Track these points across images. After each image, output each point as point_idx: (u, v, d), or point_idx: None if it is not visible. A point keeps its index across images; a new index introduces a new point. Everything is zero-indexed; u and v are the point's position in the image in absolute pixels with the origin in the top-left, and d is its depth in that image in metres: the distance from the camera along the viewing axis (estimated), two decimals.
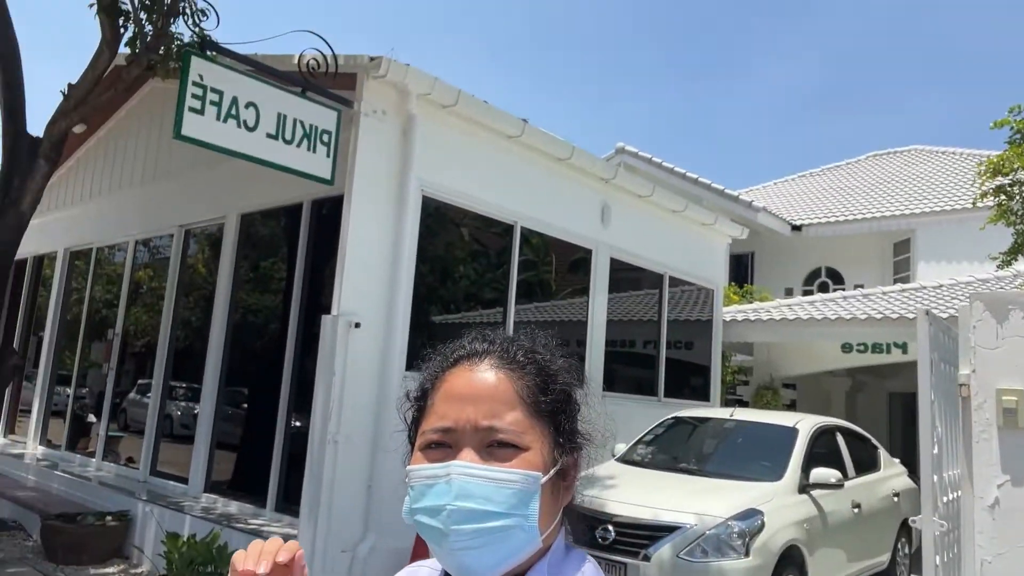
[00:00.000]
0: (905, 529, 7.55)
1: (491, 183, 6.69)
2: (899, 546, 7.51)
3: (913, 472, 8.16)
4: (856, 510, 6.58)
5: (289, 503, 6.34)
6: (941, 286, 12.01)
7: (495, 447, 0.86)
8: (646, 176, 13.35)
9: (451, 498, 0.84)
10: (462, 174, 6.43)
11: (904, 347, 9.92)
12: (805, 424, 6.70)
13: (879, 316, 9.57)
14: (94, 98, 6.34)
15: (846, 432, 7.36)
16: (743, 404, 11.43)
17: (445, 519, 0.84)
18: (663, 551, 5.15)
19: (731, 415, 7.07)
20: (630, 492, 5.84)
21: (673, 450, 7.03)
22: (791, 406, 11.83)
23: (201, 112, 4.67)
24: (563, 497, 0.92)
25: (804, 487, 6.02)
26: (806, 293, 16.89)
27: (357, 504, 5.54)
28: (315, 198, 6.56)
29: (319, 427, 5.40)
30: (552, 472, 0.88)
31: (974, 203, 6.51)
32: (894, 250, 16.62)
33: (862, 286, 15.57)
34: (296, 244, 6.73)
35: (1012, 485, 2.58)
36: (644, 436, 7.22)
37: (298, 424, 6.49)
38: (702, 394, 9.80)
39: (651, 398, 8.86)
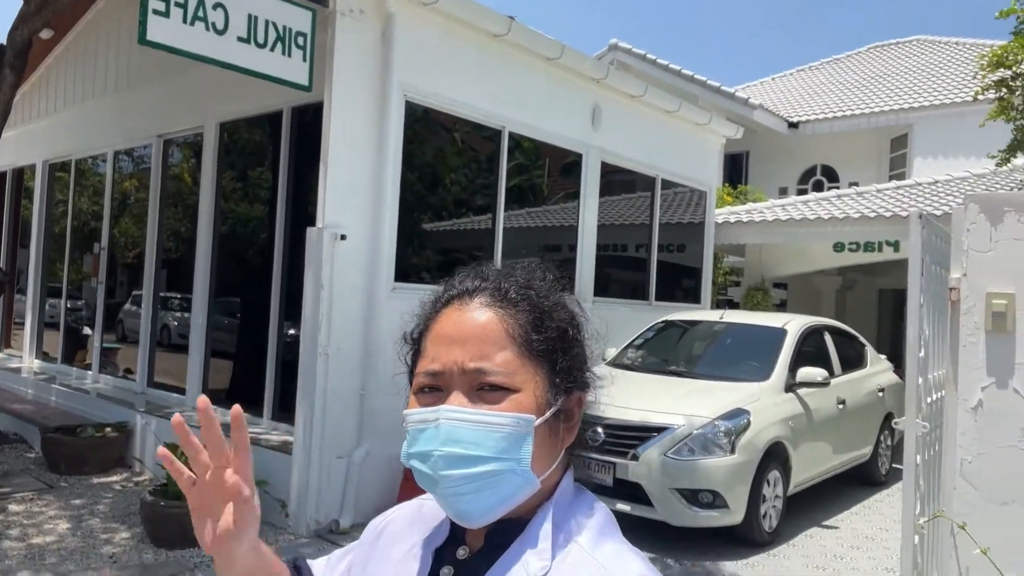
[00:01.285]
0: (888, 422, 7.76)
1: (477, 86, 6.44)
2: (882, 438, 7.73)
3: (899, 367, 8.33)
4: (841, 406, 6.73)
5: (285, 411, 6.44)
6: (936, 182, 11.88)
7: (485, 390, 0.83)
8: (639, 75, 12.95)
9: (439, 443, 0.82)
10: (446, 77, 6.18)
11: (896, 245, 9.90)
12: (794, 325, 6.75)
13: (872, 215, 9.50)
14: (56, 0, 6.00)
15: (834, 331, 7.45)
16: (733, 305, 11.52)
17: (434, 464, 0.82)
18: (651, 451, 5.29)
19: (721, 317, 7.11)
20: (620, 395, 5.92)
21: (663, 353, 7.11)
22: (781, 306, 11.95)
23: (166, 14, 4.41)
24: (565, 438, 0.89)
25: (791, 386, 6.13)
26: (800, 192, 16.75)
27: (350, 413, 5.63)
28: (295, 105, 6.33)
29: (309, 339, 5.41)
30: (548, 413, 0.85)
31: (975, 97, 6.31)
32: (891, 146, 16.37)
33: (857, 184, 15.41)
34: (278, 153, 6.55)
35: (996, 387, 2.59)
36: (635, 340, 7.29)
37: (291, 333, 6.51)
38: (693, 297, 9.85)
39: (642, 302, 8.89)
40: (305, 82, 5.10)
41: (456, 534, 0.91)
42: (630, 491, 5.36)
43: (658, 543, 5.37)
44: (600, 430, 5.54)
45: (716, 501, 5.21)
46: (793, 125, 16.62)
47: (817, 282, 13.28)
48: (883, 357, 8.31)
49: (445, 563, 0.88)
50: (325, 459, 5.44)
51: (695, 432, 5.30)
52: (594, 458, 5.50)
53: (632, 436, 5.43)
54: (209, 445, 0.81)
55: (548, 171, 7.63)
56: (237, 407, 0.83)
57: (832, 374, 6.67)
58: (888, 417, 7.76)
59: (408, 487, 5.62)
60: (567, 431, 0.89)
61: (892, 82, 17.65)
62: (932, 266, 3.14)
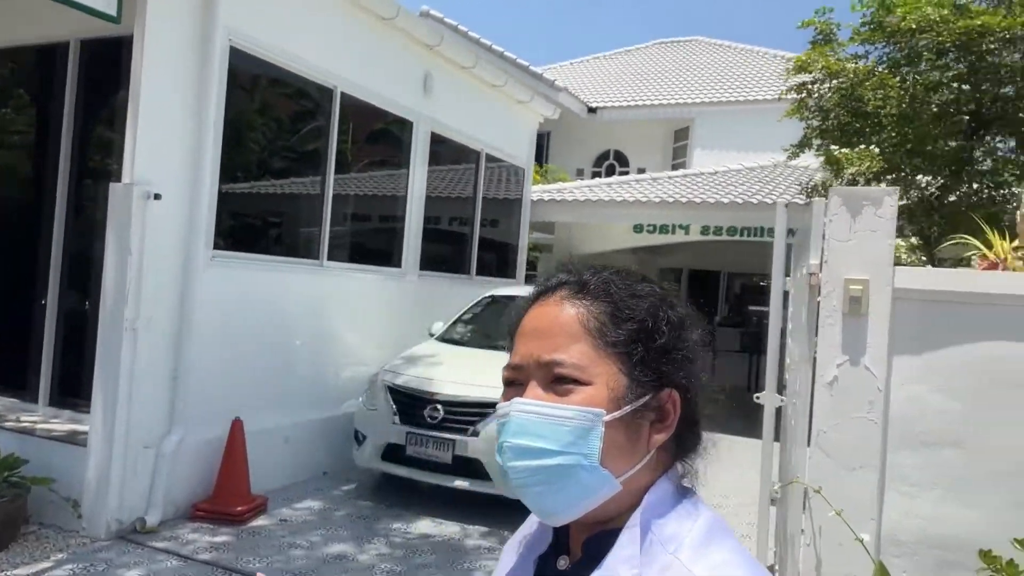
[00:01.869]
0: None
1: (310, 40, 5.94)
2: None
3: None
4: None
5: (67, 396, 5.58)
6: (716, 172, 13.12)
7: (558, 382, 0.82)
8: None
9: (508, 435, 0.82)
10: (278, 26, 5.62)
11: (687, 228, 10.83)
12: None
13: (671, 200, 10.27)
14: None
15: None
16: None
17: (503, 456, 0.83)
18: (491, 427, 5.27)
19: None
20: (455, 371, 5.87)
21: (491, 328, 7.15)
22: None
23: None
24: (654, 438, 0.84)
25: None
26: (595, 175, 17.74)
27: (161, 396, 4.99)
28: (85, 38, 5.40)
29: (111, 313, 4.69)
30: (627, 409, 0.81)
31: (779, 97, 7.05)
32: (674, 137, 17.80)
33: (644, 170, 16.64)
34: (61, 95, 5.56)
35: (850, 365, 2.87)
36: (462, 315, 7.25)
37: (76, 305, 5.62)
38: (509, 272, 10.03)
39: (464, 276, 8.88)
40: (114, 12, 4.35)
41: (559, 542, 0.90)
42: (469, 467, 5.34)
43: (497, 517, 5.42)
44: (439, 406, 5.44)
45: None
46: (592, 110, 17.46)
47: (614, 260, 14.15)
48: None
49: (547, 574, 0.88)
50: (130, 449, 4.78)
51: None
52: (432, 436, 5.40)
53: (472, 413, 5.40)
54: None
55: (377, 137, 7.28)
56: None
57: None
58: None
59: (226, 477, 5.14)
60: (656, 430, 0.84)
61: (677, 77, 19.14)
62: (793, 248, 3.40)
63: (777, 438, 3.45)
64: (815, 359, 2.96)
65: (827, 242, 2.92)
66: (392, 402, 5.68)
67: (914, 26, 5.45)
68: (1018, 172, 5.59)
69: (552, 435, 0.80)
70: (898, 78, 5.79)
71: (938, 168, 5.81)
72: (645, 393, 0.83)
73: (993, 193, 5.34)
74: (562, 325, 0.84)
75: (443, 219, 8.58)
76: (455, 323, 7.14)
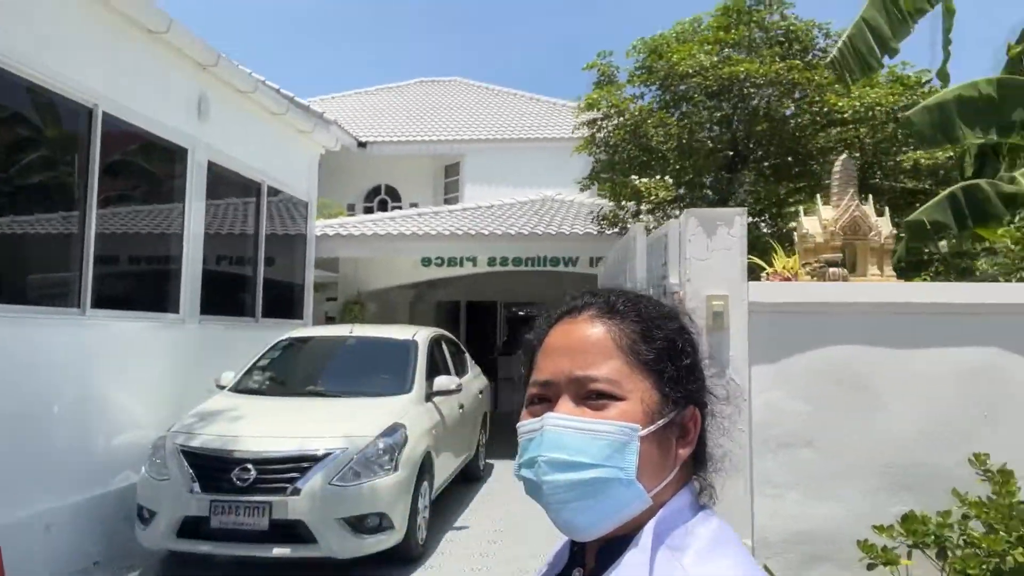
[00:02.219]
0: (486, 421, 8.48)
1: (65, 51, 5.06)
2: (481, 437, 8.41)
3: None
4: (461, 410, 7.11)
5: None
6: (493, 206, 13.54)
7: (592, 398, 0.84)
8: None
9: (543, 449, 0.82)
10: (25, 28, 4.71)
11: (475, 260, 10.96)
12: (421, 336, 6.91)
13: (460, 232, 10.33)
14: None
15: (447, 340, 7.85)
16: (330, 320, 11.33)
17: (537, 470, 0.82)
18: (314, 481, 4.79)
19: (350, 332, 6.89)
20: (262, 425, 5.29)
21: (295, 373, 6.58)
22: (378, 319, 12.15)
23: None
24: (679, 455, 0.86)
25: (429, 395, 6.23)
26: (367, 210, 17.44)
27: None
28: None
29: None
30: (658, 424, 0.83)
31: (573, 131, 7.39)
32: (445, 172, 18.10)
33: (416, 204, 16.71)
34: None
35: (717, 378, 2.96)
36: (258, 361, 6.58)
37: None
38: (296, 313, 9.37)
39: (249, 319, 8.10)
40: None
41: (574, 557, 0.91)
42: (289, 532, 4.78)
43: None
44: (251, 466, 4.83)
45: (383, 523, 4.96)
46: (362, 144, 17.19)
47: (395, 295, 13.94)
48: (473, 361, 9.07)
49: None
50: None
51: (358, 454, 4.98)
52: (243, 501, 4.76)
53: (289, 469, 4.85)
54: None
55: (150, 165, 6.40)
56: None
57: None
58: (485, 416, 8.48)
59: None
60: (681, 447, 0.86)
61: (444, 114, 19.55)
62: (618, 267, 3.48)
63: None
64: None
65: (688, 261, 3.02)
66: (188, 468, 4.92)
67: (690, 71, 6.03)
68: (765, 203, 6.33)
69: (589, 449, 0.81)
70: (675, 116, 6.37)
71: (714, 197, 6.46)
72: (673, 410, 0.85)
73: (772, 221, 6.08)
74: (594, 342, 0.86)
75: (224, 258, 7.78)
76: (249, 371, 6.45)
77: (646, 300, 0.92)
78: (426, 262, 11.07)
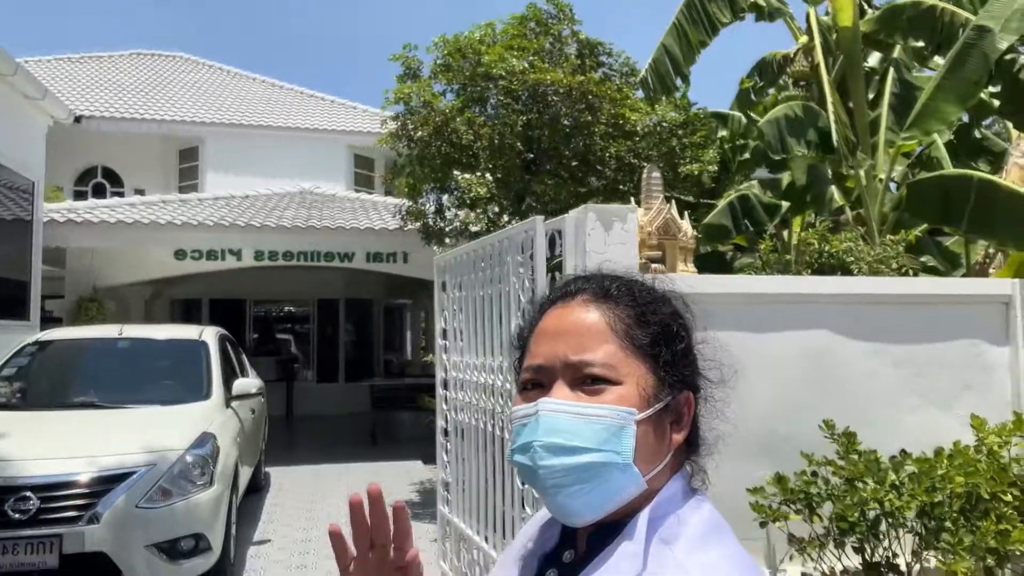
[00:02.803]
0: (265, 427, 7.92)
1: None
2: (263, 445, 7.84)
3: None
4: (253, 415, 6.58)
5: None
6: (249, 196, 12.61)
7: (587, 383, 0.83)
8: None
9: (539, 434, 0.82)
10: None
11: (239, 254, 10.11)
12: (209, 335, 6.25)
13: (227, 223, 9.47)
14: None
15: (230, 340, 7.18)
16: (56, 320, 9.66)
17: (533, 455, 0.81)
18: (117, 505, 4.12)
19: (120, 333, 5.97)
20: (34, 444, 4.41)
21: (56, 382, 5.54)
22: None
23: None
24: (673, 440, 0.86)
25: (228, 400, 5.67)
26: (79, 194, 15.17)
27: None
28: None
29: None
30: (654, 409, 0.83)
31: (383, 123, 7.08)
32: (180, 156, 16.40)
33: (143, 191, 14.95)
34: None
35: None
36: None
37: None
38: (20, 313, 7.87)
39: None
40: None
41: (565, 539, 0.90)
42: (84, 567, 4.05)
43: None
44: (31, 495, 4.00)
45: (199, 545, 4.41)
46: (78, 119, 14.89)
47: (126, 292, 12.31)
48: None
49: (551, 567, 0.88)
50: None
51: (169, 470, 4.37)
52: (24, 536, 3.93)
53: (82, 493, 4.11)
54: (375, 523, 0.86)
55: None
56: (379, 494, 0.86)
57: None
58: (266, 422, 7.92)
59: None
60: (675, 432, 0.87)
61: (175, 92, 17.68)
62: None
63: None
64: None
65: (588, 255, 3.16)
66: None
67: (502, 73, 6.23)
68: (562, 203, 6.79)
69: (585, 433, 0.80)
70: (482, 117, 6.53)
71: (511, 198, 6.74)
72: (669, 394, 0.85)
73: None
74: (589, 327, 0.85)
75: None
76: None
77: (639, 284, 0.92)
78: (180, 255, 9.95)
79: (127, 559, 4.08)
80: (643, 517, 0.82)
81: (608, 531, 0.83)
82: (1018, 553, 2.69)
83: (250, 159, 15.52)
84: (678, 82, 5.78)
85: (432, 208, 7.01)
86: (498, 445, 3.76)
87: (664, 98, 6.33)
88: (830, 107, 5.06)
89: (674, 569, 0.77)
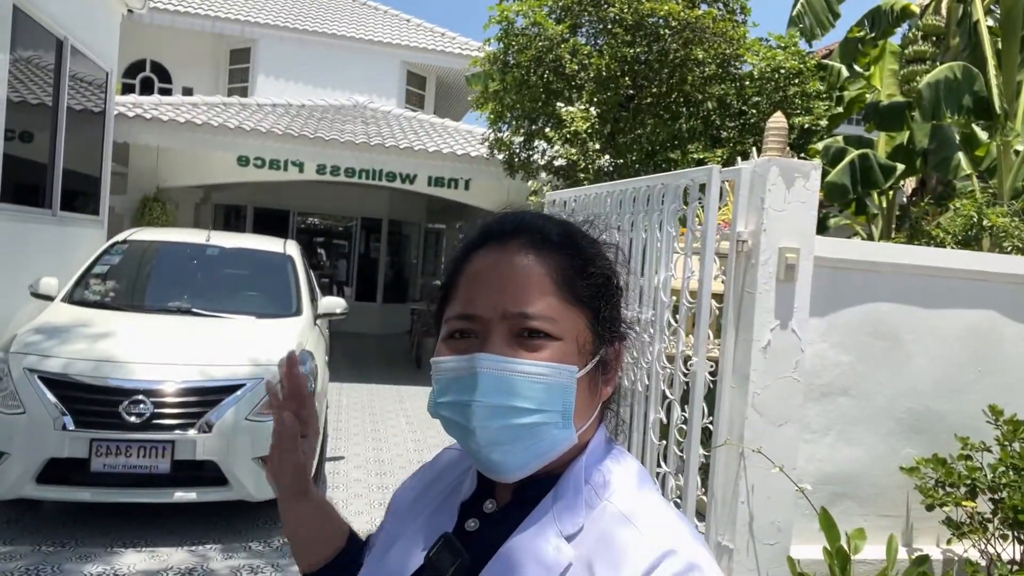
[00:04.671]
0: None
1: None
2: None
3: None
4: (327, 331, 6.53)
5: None
6: (305, 105, 12.34)
7: (525, 336, 0.77)
8: None
9: (477, 393, 0.76)
10: None
11: (301, 166, 9.94)
12: (293, 249, 6.16)
13: (296, 134, 9.26)
14: None
15: (303, 254, 7.08)
16: (117, 218, 9.60)
17: (470, 415, 0.76)
18: (228, 415, 4.10)
19: (208, 240, 5.88)
20: (141, 346, 4.36)
21: (148, 285, 5.49)
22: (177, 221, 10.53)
23: None
24: (603, 391, 0.84)
25: (316, 318, 5.61)
26: (127, 87, 14.91)
27: None
28: None
29: None
30: (591, 364, 0.80)
31: (484, 44, 6.77)
32: (231, 57, 16.02)
33: (191, 90, 14.67)
34: None
35: (780, 329, 3.03)
36: (91, 267, 5.39)
37: None
38: (92, 208, 7.79)
39: (45, 212, 6.57)
40: None
41: (483, 488, 0.86)
42: (193, 474, 4.07)
43: (233, 527, 4.28)
44: (145, 399, 3.99)
45: None
46: (130, 9, 14.48)
47: (178, 194, 12.22)
48: None
49: (470, 516, 0.84)
50: None
51: (275, 383, 4.33)
52: (137, 440, 3.94)
53: (195, 402, 4.10)
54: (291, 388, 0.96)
55: None
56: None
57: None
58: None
59: None
60: (605, 383, 0.84)
61: None
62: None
63: None
64: (753, 324, 3.04)
65: (766, 211, 2.99)
66: (53, 398, 3.92)
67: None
68: (659, 145, 6.53)
69: (528, 393, 0.76)
70: (588, 46, 6.22)
71: (606, 135, 6.48)
72: (602, 348, 0.82)
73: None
74: (530, 276, 0.79)
75: (17, 133, 6.15)
76: (83, 279, 5.26)
77: (580, 232, 0.85)
78: (243, 161, 9.79)
79: (234, 469, 4.09)
80: (579, 470, 0.80)
81: (537, 484, 0.80)
82: None
83: (302, 66, 15.14)
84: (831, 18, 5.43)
85: (520, 138, 6.77)
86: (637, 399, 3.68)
87: (783, 43, 5.98)
88: (991, 70, 4.75)
89: (623, 525, 0.75)
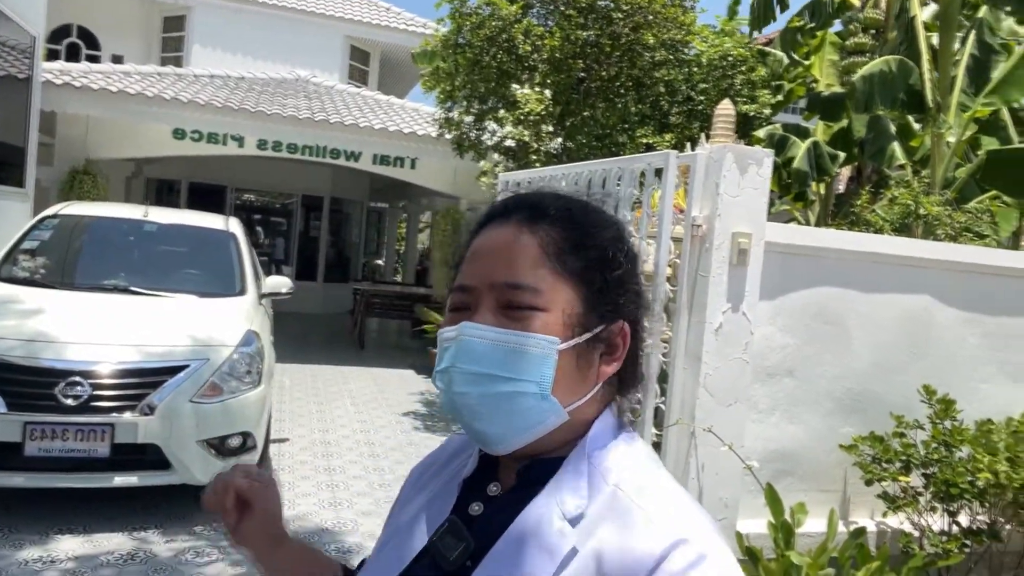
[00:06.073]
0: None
1: None
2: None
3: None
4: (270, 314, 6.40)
5: None
6: (245, 78, 11.95)
7: (512, 307, 0.78)
8: None
9: (458, 360, 0.78)
10: None
11: (241, 140, 9.64)
12: (235, 226, 5.98)
13: (236, 107, 8.96)
14: None
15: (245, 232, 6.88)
16: (43, 190, 9.13)
17: (450, 381, 0.79)
18: (170, 397, 3.98)
19: (146, 215, 5.66)
20: (76, 326, 4.19)
21: (82, 261, 5.25)
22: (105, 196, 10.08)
23: None
24: (604, 370, 0.82)
25: (260, 298, 5.48)
26: (51, 54, 14.15)
27: None
28: None
29: None
30: (580, 339, 0.79)
31: (438, 22, 6.63)
32: (164, 24, 15.35)
33: (121, 58, 14.05)
34: None
35: (731, 312, 3.11)
36: (19, 242, 5.12)
37: None
38: (15, 179, 7.40)
39: None
40: None
41: (487, 468, 0.86)
42: (134, 457, 3.95)
43: (174, 511, 4.17)
44: (82, 381, 3.84)
45: (246, 443, 4.34)
46: None
47: (107, 167, 11.69)
48: None
49: (475, 499, 0.84)
50: None
51: (219, 367, 4.23)
52: (74, 423, 3.80)
53: (136, 383, 3.96)
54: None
55: None
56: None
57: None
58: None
59: None
60: (606, 363, 0.82)
61: None
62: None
63: None
64: (706, 307, 3.11)
65: (721, 197, 3.06)
66: None
67: None
68: (607, 129, 6.58)
69: (504, 361, 0.77)
70: (542, 27, 6.19)
71: (556, 117, 6.49)
72: (599, 324, 0.81)
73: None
74: (520, 247, 0.80)
75: None
76: (11, 255, 5.00)
77: (581, 206, 0.86)
78: (179, 134, 9.43)
79: (178, 453, 3.98)
80: (581, 452, 0.79)
81: (541, 466, 0.80)
82: None
83: (240, 37, 14.62)
84: (777, 11, 5.54)
85: (470, 118, 6.72)
86: None
87: (727, 31, 6.09)
88: (925, 64, 4.95)
89: (629, 508, 0.74)
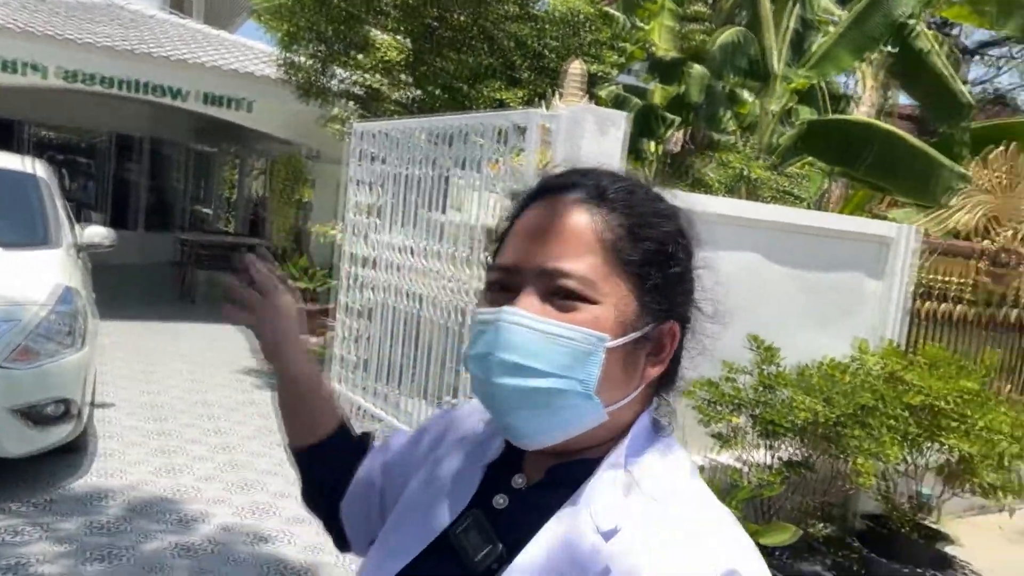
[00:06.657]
0: None
1: None
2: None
3: None
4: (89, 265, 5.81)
5: None
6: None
7: (560, 296, 0.73)
8: None
9: (497, 347, 0.73)
10: None
11: (44, 71, 8.49)
12: (41, 168, 5.31)
13: (38, 33, 7.87)
14: None
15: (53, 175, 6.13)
16: None
17: (487, 370, 0.73)
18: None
19: None
20: None
21: None
22: None
23: None
24: (648, 371, 0.77)
25: (77, 250, 4.94)
26: None
27: None
28: None
29: None
30: (630, 337, 0.74)
31: None
32: None
33: None
34: None
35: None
36: None
37: None
38: None
39: None
40: None
41: (512, 455, 0.81)
42: None
43: None
44: None
45: (69, 411, 3.94)
46: None
47: None
48: None
49: (500, 490, 0.80)
50: None
51: (33, 327, 3.79)
52: None
53: None
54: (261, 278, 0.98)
55: None
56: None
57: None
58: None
59: None
60: (652, 364, 0.77)
61: None
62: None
63: None
64: None
65: (581, 156, 3.13)
66: None
67: None
68: (457, 79, 6.50)
69: (547, 354, 0.71)
70: None
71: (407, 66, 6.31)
72: (650, 322, 0.75)
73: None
74: (573, 231, 0.74)
75: None
76: None
77: (643, 191, 0.79)
78: None
79: None
80: (618, 458, 0.75)
81: (573, 467, 0.76)
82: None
83: None
84: None
85: (314, 62, 6.34)
86: (418, 327, 3.73)
87: None
88: (767, 34, 5.28)
89: (666, 526, 0.70)
